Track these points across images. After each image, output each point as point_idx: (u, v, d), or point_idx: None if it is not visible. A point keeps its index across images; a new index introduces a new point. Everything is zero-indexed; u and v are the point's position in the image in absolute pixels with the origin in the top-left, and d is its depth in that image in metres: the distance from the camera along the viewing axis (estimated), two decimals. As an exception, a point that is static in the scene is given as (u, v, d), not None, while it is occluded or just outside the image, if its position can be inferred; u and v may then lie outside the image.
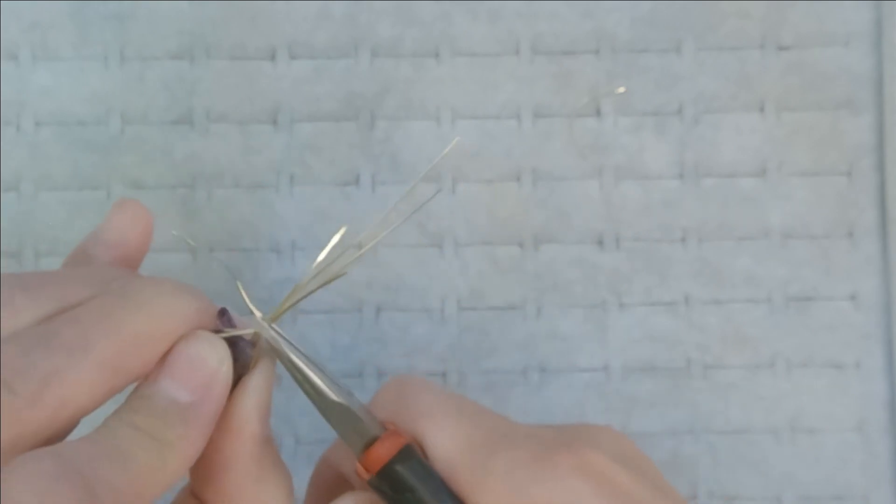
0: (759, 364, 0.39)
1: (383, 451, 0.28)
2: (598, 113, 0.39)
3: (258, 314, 0.28)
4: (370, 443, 0.28)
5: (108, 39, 0.39)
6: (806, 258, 0.39)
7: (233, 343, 0.27)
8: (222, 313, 0.27)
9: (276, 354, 0.28)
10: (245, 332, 0.27)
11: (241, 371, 0.27)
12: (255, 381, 0.27)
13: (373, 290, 0.39)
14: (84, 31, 0.39)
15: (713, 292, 0.39)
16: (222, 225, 0.39)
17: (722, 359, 0.39)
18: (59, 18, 0.39)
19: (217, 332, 0.27)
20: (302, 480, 0.38)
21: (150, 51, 0.39)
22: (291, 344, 0.28)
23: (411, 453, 0.28)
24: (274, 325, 0.28)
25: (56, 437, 0.25)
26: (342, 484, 0.30)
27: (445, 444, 0.28)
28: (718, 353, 0.39)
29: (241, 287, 0.28)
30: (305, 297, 0.28)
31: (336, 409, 0.28)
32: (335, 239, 0.28)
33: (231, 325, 0.27)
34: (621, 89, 0.39)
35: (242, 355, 0.27)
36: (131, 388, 0.26)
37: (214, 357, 0.26)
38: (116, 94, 0.39)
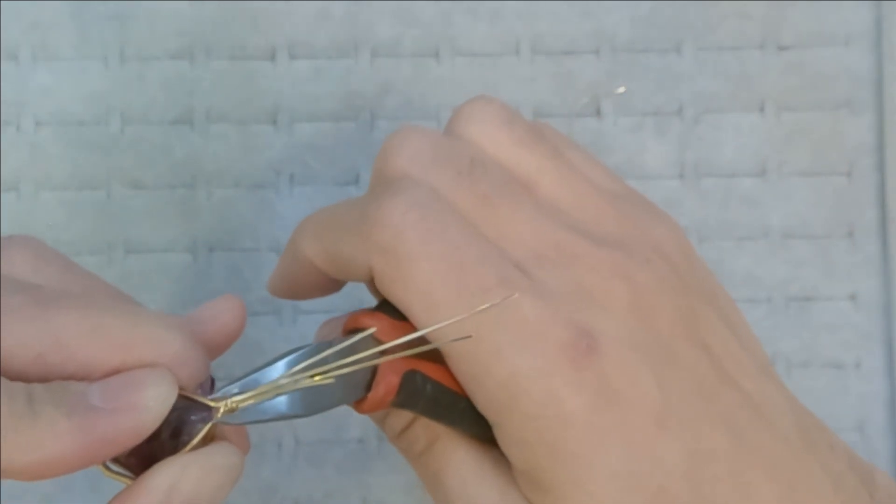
0: (759, 364, 0.39)
1: (370, 408, 0.27)
2: (598, 113, 0.39)
3: (219, 404, 0.25)
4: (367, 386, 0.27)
5: (108, 39, 0.39)
6: (806, 258, 0.39)
7: (189, 404, 0.25)
8: (205, 384, 0.25)
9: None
10: (212, 404, 0.25)
11: (184, 439, 0.24)
12: (182, 466, 0.24)
13: (373, 290, 0.39)
14: (84, 31, 0.39)
15: (713, 292, 0.39)
16: (222, 225, 0.39)
17: (722, 359, 0.39)
18: (59, 18, 0.39)
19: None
20: (302, 481, 0.38)
21: (150, 51, 0.39)
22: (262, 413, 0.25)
23: (401, 394, 0.27)
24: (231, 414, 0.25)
25: None
26: (318, 280, 0.30)
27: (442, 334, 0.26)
28: (718, 353, 0.39)
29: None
30: (281, 392, 0.25)
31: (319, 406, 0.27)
32: (354, 339, 0.26)
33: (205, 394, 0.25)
34: (621, 89, 0.39)
35: (189, 424, 0.24)
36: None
37: (153, 392, 0.24)
38: (116, 94, 0.39)
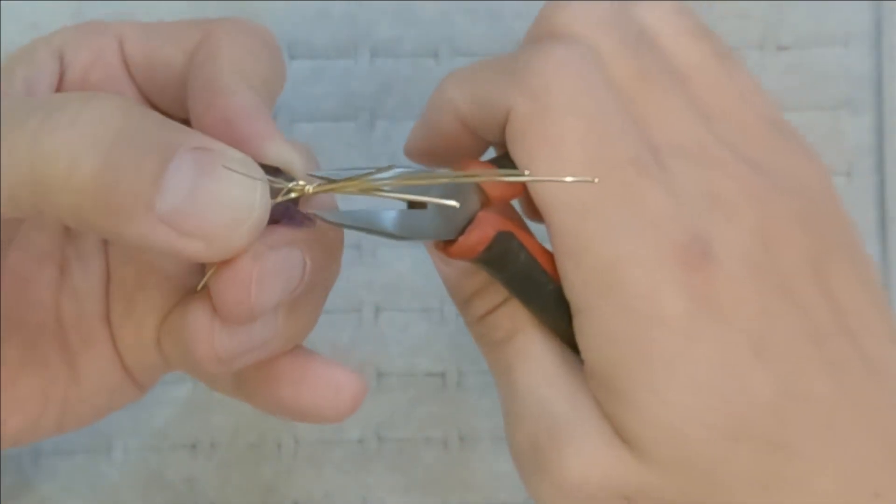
0: (759, 364, 0.39)
1: (461, 252, 0.26)
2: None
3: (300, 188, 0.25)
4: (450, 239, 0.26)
5: (108, 39, 0.39)
6: (806, 258, 0.39)
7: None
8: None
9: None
10: (284, 200, 0.25)
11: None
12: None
13: (372, 290, 0.39)
14: (84, 32, 0.39)
15: (713, 292, 0.39)
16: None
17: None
18: (59, 18, 0.39)
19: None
20: (302, 481, 0.38)
21: (150, 51, 0.39)
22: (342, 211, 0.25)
23: (494, 248, 0.26)
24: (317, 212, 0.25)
25: None
26: (457, 131, 0.29)
27: (556, 198, 0.25)
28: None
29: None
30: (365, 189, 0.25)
31: (410, 240, 0.26)
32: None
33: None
34: None
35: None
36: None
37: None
38: (116, 94, 0.39)
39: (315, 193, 0.25)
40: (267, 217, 0.24)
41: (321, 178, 0.25)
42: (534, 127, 0.26)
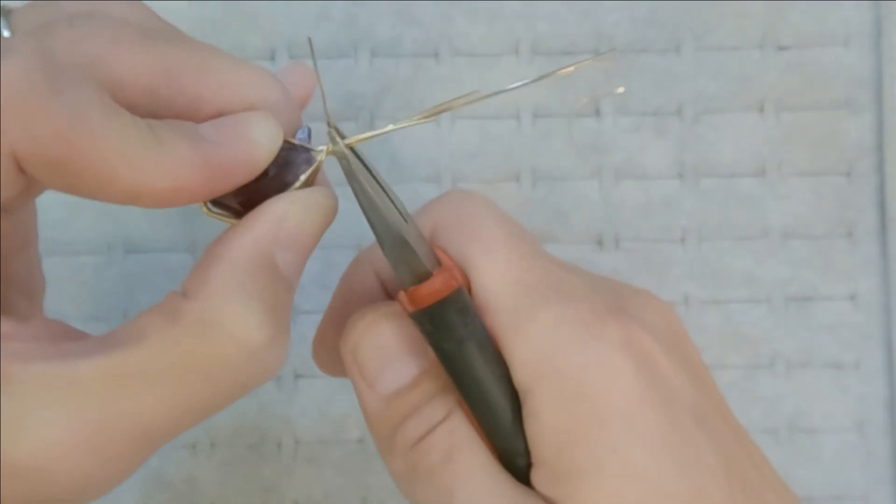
0: (759, 364, 0.39)
1: (432, 292, 0.26)
2: (597, 113, 0.39)
3: (335, 132, 0.26)
4: (420, 278, 0.26)
5: (108, 40, 0.39)
6: (805, 258, 0.39)
7: (292, 148, 0.26)
8: (303, 132, 0.26)
9: (345, 173, 0.26)
10: (315, 148, 0.26)
11: (289, 180, 0.26)
12: (289, 201, 0.25)
13: (372, 290, 0.39)
14: (84, 32, 0.39)
15: (712, 292, 0.39)
16: (222, 225, 0.39)
17: (721, 359, 0.39)
18: (59, 19, 0.39)
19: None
20: (302, 481, 0.38)
21: (150, 51, 0.39)
22: (363, 164, 0.26)
23: (459, 297, 0.26)
24: (349, 146, 0.26)
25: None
26: (374, 288, 0.30)
27: (494, 279, 0.27)
28: (718, 353, 0.39)
29: (324, 96, 0.26)
30: (392, 130, 0.26)
31: (392, 238, 0.26)
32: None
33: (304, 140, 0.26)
34: (621, 89, 0.39)
35: (294, 166, 0.26)
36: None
37: (262, 131, 0.25)
38: (116, 94, 0.39)
39: (348, 146, 0.26)
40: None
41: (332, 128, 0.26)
42: (461, 228, 0.27)
